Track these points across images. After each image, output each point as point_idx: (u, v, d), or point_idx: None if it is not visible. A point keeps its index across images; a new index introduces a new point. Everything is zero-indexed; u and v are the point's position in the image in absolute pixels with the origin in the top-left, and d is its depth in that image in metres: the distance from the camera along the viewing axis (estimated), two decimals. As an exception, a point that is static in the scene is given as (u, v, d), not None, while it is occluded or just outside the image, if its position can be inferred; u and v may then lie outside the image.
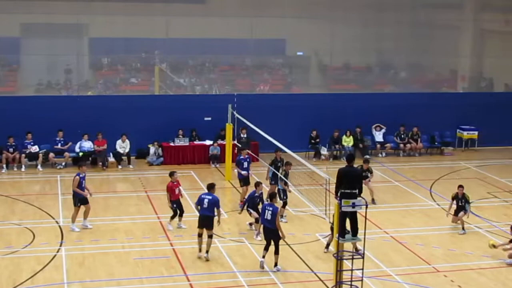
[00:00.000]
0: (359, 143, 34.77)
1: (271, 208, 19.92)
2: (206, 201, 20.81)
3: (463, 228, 23.96)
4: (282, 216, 23.67)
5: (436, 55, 39.74)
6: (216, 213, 20.90)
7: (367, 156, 32.41)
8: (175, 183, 23.67)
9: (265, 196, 22.45)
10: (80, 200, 23.03)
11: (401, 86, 40.13)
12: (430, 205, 27.22)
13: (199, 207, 21.09)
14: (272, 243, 20.09)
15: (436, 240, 23.06)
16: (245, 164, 26.57)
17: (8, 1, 35.09)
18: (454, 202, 24.41)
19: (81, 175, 23.08)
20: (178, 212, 23.72)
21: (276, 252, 20.05)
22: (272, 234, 19.99)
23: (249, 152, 27.81)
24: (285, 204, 24.55)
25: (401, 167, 33.42)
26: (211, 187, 21.24)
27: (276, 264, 20.16)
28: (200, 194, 21.38)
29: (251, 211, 23.19)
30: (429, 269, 20.71)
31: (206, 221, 20.79)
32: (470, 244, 22.78)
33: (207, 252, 20.81)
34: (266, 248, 20.16)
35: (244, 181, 26.42)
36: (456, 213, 24.22)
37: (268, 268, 20.30)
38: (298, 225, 24.11)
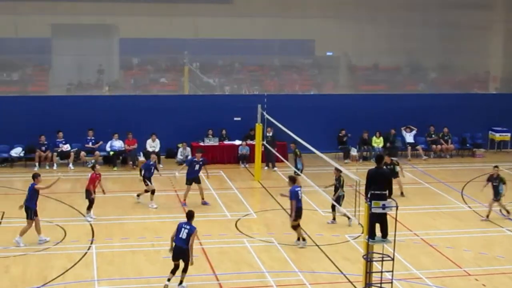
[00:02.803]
0: (387, 143, 34.60)
1: (188, 227, 18.48)
2: None
3: (501, 212, 24.68)
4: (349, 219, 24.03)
5: (466, 55, 39.49)
6: None
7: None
8: (97, 175, 24.47)
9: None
10: (35, 212, 22.10)
11: (431, 87, 39.90)
12: (461, 208, 27.00)
13: None
14: (181, 263, 18.63)
15: (466, 243, 22.86)
16: (197, 167, 26.18)
17: (39, 2, 35.40)
18: (489, 183, 25.05)
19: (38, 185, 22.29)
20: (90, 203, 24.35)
21: (185, 270, 18.62)
22: (183, 254, 18.44)
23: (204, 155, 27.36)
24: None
25: (432, 168, 33.23)
26: None
27: (181, 282, 18.66)
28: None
29: (148, 182, 25.97)
30: (459, 272, 20.51)
31: None
32: (502, 248, 22.55)
33: None
34: (173, 271, 18.58)
35: (191, 180, 26.21)
36: (495, 195, 24.84)
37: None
38: (327, 226, 24.04)
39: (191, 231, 18.38)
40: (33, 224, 21.99)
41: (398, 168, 27.09)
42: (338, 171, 23.90)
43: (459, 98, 37.41)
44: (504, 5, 40.18)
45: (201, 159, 26.45)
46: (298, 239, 22.25)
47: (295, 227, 22.06)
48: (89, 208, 24.36)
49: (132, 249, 21.60)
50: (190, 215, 18.81)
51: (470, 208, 26.77)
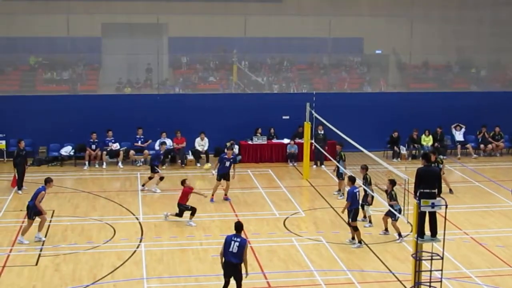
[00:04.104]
0: (435, 143, 34.32)
1: (238, 240, 17.04)
2: None
3: None
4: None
5: (517, 53, 39.03)
6: None
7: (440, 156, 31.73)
8: (190, 188, 24.54)
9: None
10: (35, 213, 22.07)
11: (482, 85, 39.44)
12: (511, 206, 26.68)
13: None
14: (234, 281, 17.29)
15: (517, 242, 22.61)
16: (227, 164, 26.63)
17: (89, 2, 35.82)
18: None
19: (46, 191, 22.39)
20: (192, 210, 24.09)
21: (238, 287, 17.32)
22: (235, 271, 17.11)
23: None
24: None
25: (482, 167, 32.87)
26: None
27: None
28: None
29: (156, 169, 27.88)
30: (510, 271, 20.27)
31: None
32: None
33: None
34: None
35: (221, 176, 26.65)
36: None
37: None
38: (376, 225, 23.88)
39: (243, 244, 17.01)
40: (32, 223, 22.09)
41: (441, 166, 26.95)
42: (363, 169, 24.03)
43: (510, 96, 36.92)
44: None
45: (231, 156, 26.87)
46: (353, 238, 22.22)
47: (356, 228, 22.00)
48: (192, 214, 24.05)
49: (181, 247, 21.73)
50: (238, 226, 17.41)
51: (521, 207, 26.51)
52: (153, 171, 28.03)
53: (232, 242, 17.05)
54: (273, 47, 38.24)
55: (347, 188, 22.84)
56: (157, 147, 31.26)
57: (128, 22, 36.63)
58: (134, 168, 31.86)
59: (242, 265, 17.13)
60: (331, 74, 39.12)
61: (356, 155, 27.38)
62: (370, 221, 24.07)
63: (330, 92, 37.15)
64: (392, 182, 22.27)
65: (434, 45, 38.74)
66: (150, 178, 28.04)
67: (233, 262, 17.02)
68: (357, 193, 22.10)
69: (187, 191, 24.26)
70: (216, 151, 33.43)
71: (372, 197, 23.56)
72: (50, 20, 35.57)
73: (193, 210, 24.00)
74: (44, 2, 35.68)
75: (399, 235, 22.30)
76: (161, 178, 28.00)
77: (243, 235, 17.49)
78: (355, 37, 39.36)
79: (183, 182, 24.59)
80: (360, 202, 23.14)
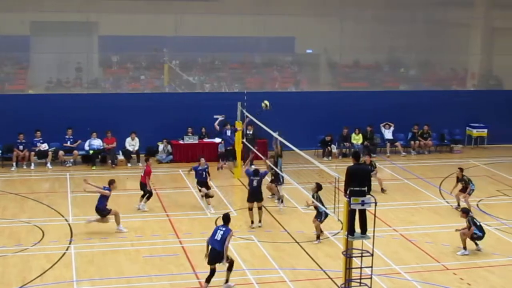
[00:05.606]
0: (365, 141, 34.69)
1: (223, 229, 18.32)
2: None
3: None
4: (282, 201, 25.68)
5: (446, 53, 39.70)
6: None
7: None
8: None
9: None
10: (105, 213, 23.21)
11: (411, 84, 40.06)
12: (439, 203, 27.18)
13: None
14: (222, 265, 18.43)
15: (445, 238, 22.95)
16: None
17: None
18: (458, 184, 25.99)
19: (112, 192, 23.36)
20: (148, 194, 25.24)
21: (229, 268, 18.53)
22: (219, 257, 18.24)
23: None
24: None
25: (411, 165, 33.37)
26: None
27: (226, 281, 18.64)
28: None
29: (199, 187, 25.68)
30: (438, 266, 20.65)
31: None
32: (479, 242, 22.63)
33: None
34: (208, 280, 18.37)
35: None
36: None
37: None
38: (308, 223, 24.00)
39: (227, 233, 18.20)
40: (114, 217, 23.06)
41: (374, 169, 27.44)
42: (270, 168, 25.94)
43: (438, 94, 37.64)
44: (485, 2, 40.37)
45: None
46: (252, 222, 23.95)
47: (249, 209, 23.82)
48: (144, 197, 25.08)
49: (112, 248, 21.52)
50: (225, 218, 18.69)
51: (448, 203, 26.92)
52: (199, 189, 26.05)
53: (218, 231, 18.32)
54: (204, 46, 38.11)
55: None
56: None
57: (57, 20, 36.09)
58: (63, 168, 31.40)
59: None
60: (263, 73, 39.23)
61: (287, 153, 27.49)
62: (282, 201, 25.62)
63: (261, 91, 37.20)
64: (318, 186, 22.53)
65: (364, 45, 39.14)
66: (207, 195, 25.73)
67: (217, 249, 18.12)
68: (253, 180, 23.93)
69: (149, 171, 24.91)
70: (147, 150, 33.17)
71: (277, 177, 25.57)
72: (-24, 18, 34.90)
73: (149, 194, 24.97)
74: (-30, -1, 34.98)
75: (318, 237, 22.50)
76: (207, 195, 25.63)
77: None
78: (286, 36, 39.52)
79: (147, 160, 25.44)
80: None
